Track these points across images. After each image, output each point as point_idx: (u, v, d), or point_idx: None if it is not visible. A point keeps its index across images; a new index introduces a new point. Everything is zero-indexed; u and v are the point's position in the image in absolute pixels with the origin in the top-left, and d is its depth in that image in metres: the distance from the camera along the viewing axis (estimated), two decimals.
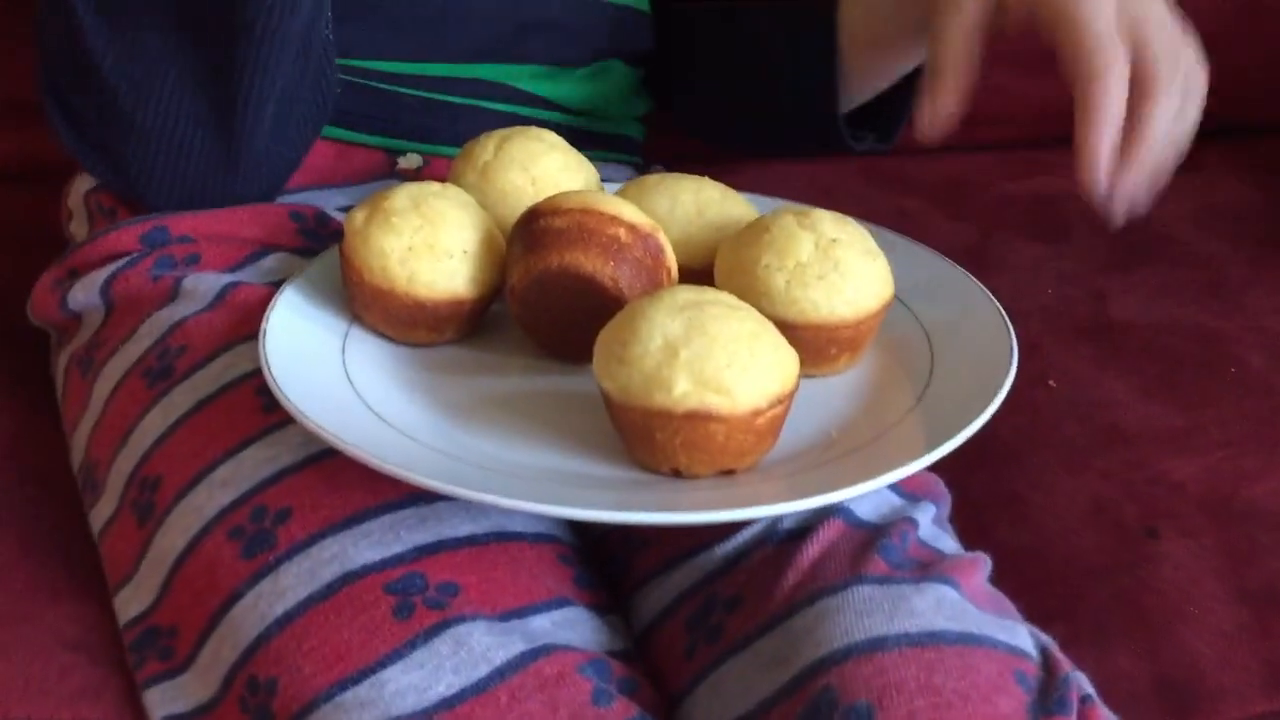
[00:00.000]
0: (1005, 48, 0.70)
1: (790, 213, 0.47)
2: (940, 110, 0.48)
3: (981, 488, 0.51)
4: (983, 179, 0.72)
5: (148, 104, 0.49)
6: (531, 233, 0.45)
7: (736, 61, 0.63)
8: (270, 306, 0.46)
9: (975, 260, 0.64)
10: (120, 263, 0.51)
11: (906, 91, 0.60)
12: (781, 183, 0.73)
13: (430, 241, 0.46)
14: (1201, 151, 0.75)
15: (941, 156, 0.75)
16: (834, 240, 0.46)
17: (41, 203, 0.64)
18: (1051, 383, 0.56)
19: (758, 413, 0.40)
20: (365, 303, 0.46)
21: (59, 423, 0.55)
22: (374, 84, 0.57)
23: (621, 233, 0.44)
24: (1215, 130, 0.77)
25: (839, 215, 0.48)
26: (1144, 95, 0.45)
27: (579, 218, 0.44)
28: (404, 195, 0.47)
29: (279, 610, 0.41)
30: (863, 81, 0.60)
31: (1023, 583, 0.46)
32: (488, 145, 0.51)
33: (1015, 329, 0.48)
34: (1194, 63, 0.47)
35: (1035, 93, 0.75)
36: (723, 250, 0.47)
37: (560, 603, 0.42)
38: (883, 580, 0.41)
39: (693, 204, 0.50)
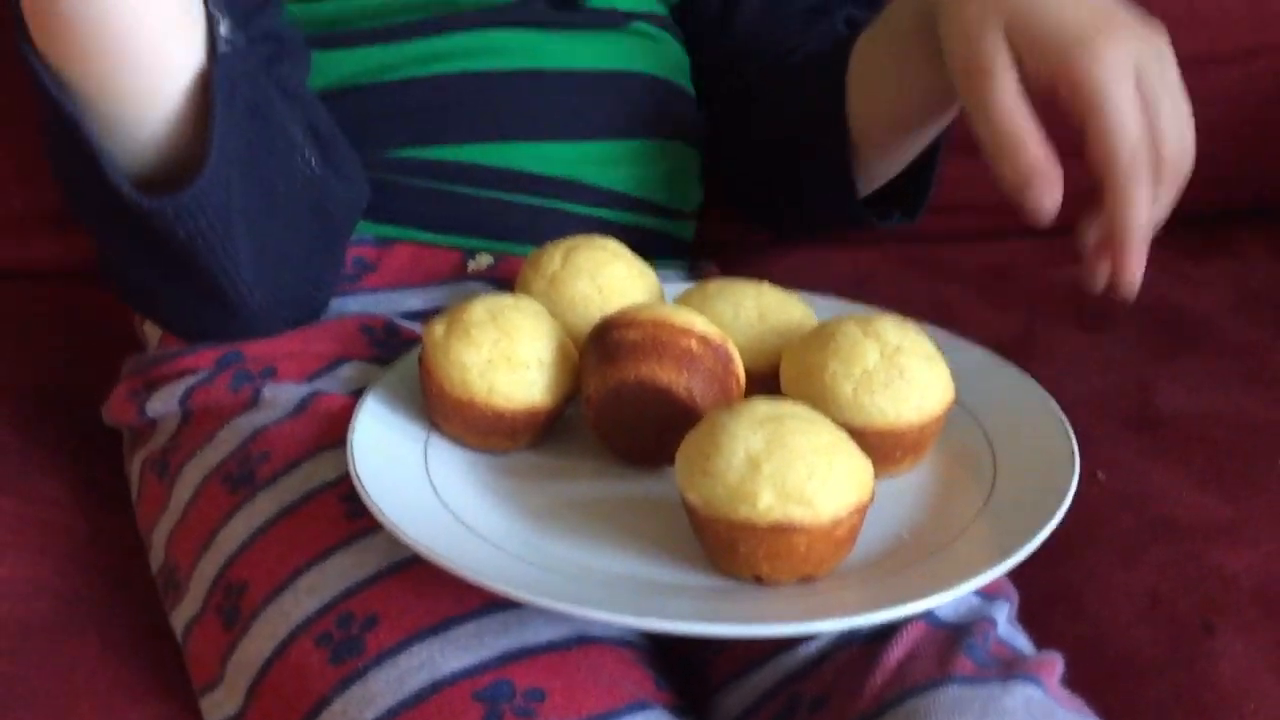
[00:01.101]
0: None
1: (853, 320, 0.48)
2: (1042, 189, 0.49)
3: (1036, 583, 0.52)
4: (1023, 266, 0.74)
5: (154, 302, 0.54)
6: (606, 345, 0.47)
7: (757, 143, 0.66)
8: (354, 416, 0.48)
9: (1019, 350, 0.65)
10: (199, 376, 0.53)
11: (929, 167, 0.62)
12: (823, 271, 0.75)
13: (508, 354, 0.47)
14: (1237, 234, 0.77)
15: (981, 243, 0.77)
16: (898, 347, 0.47)
17: (110, 300, 0.67)
18: (1101, 475, 0.57)
19: (838, 523, 0.41)
20: (445, 413, 0.48)
21: (134, 521, 0.56)
22: (446, 187, 0.59)
23: (694, 344, 0.46)
24: (1249, 211, 0.79)
25: (900, 320, 0.49)
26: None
27: (652, 330, 0.46)
28: (481, 308, 0.48)
29: (368, 717, 0.42)
30: (879, 162, 0.62)
31: (1081, 678, 0.47)
32: (555, 255, 0.53)
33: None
34: (1190, 147, 0.49)
35: (1072, 176, 0.78)
36: (788, 357, 0.49)
37: (641, 705, 0.43)
38: (971, 680, 0.42)
39: (754, 309, 0.52)
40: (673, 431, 0.45)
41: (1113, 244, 0.48)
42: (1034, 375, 0.54)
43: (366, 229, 0.59)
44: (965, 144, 0.73)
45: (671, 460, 0.44)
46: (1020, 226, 0.74)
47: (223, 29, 0.48)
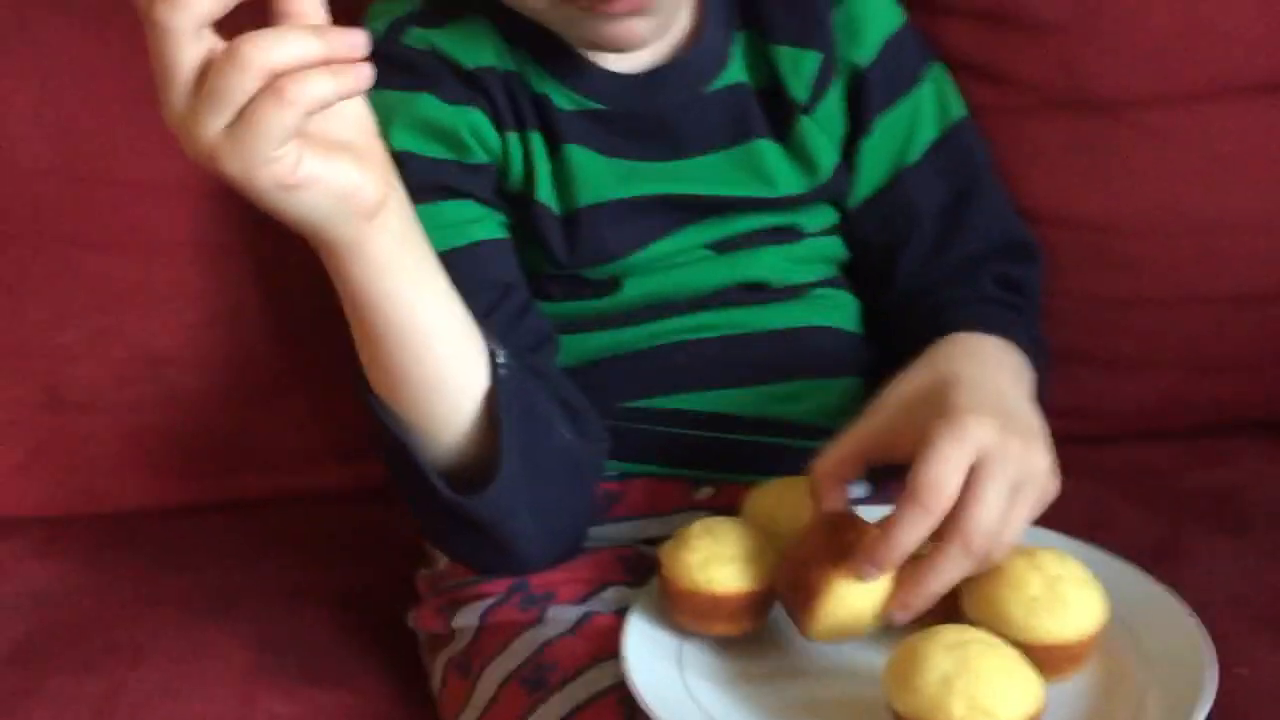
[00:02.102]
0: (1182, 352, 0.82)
1: (1020, 554, 0.60)
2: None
3: None
4: (1170, 469, 0.83)
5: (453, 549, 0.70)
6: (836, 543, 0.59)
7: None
8: (623, 632, 0.61)
9: (1165, 551, 0.75)
10: (495, 598, 0.67)
11: None
12: None
13: (718, 553, 0.62)
14: None
15: (1127, 445, 0.87)
16: (1058, 576, 0.59)
17: (392, 517, 0.81)
18: (1244, 671, 0.66)
19: None
20: (680, 607, 0.62)
21: (435, 711, 0.70)
22: (670, 430, 0.73)
23: None
24: None
25: (1058, 551, 0.61)
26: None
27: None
28: (699, 525, 0.63)
29: None
30: None
31: None
32: (769, 493, 0.66)
33: (1203, 618, 0.59)
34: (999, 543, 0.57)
35: (1210, 390, 0.88)
36: (966, 585, 0.60)
37: None
38: None
39: None
40: None
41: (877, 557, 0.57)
42: (1178, 578, 0.64)
43: (611, 466, 0.73)
44: (1107, 359, 0.85)
45: None
46: (1162, 429, 0.85)
47: (500, 357, 0.64)
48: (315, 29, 0.52)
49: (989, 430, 0.57)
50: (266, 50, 0.50)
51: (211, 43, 0.51)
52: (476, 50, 0.72)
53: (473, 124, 0.71)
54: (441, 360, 0.62)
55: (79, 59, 0.84)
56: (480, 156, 0.71)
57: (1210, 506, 0.79)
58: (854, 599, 0.58)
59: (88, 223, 0.84)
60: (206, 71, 0.50)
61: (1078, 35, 0.81)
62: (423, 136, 0.70)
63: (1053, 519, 0.72)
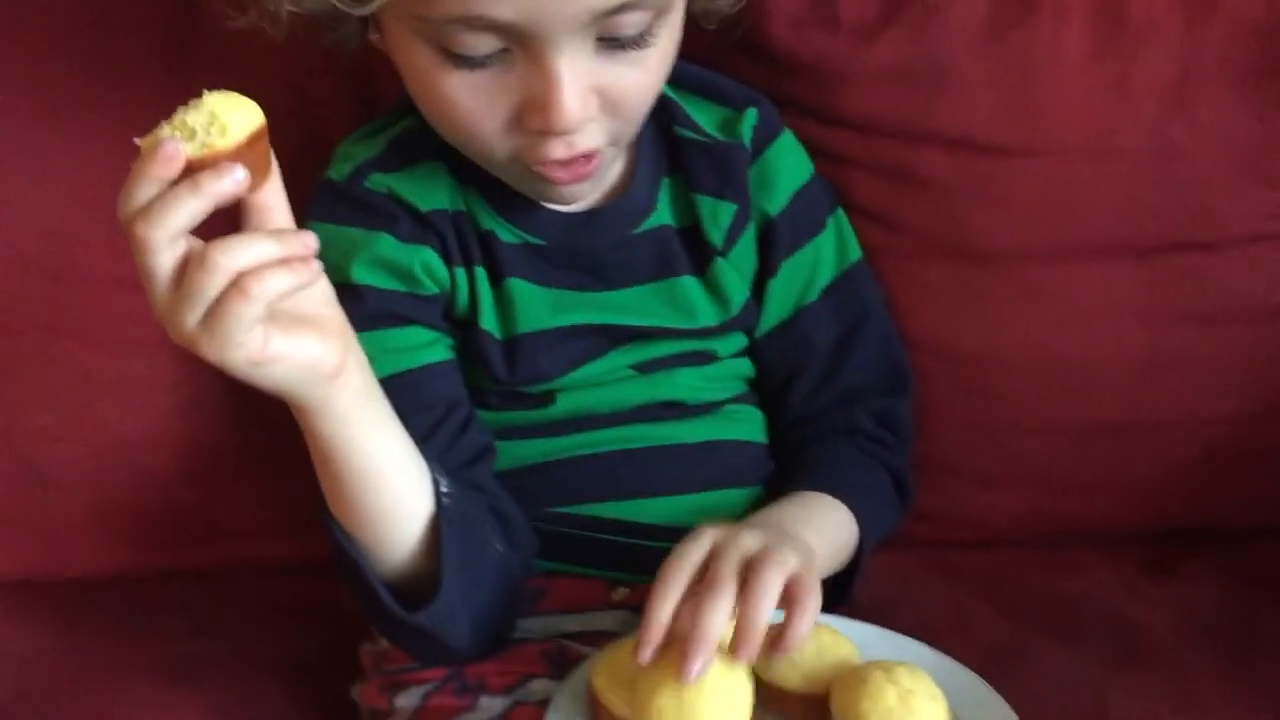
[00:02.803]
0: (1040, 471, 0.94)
1: (878, 667, 0.71)
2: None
3: None
4: (1023, 574, 0.93)
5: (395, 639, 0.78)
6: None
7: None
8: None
9: (1009, 654, 0.84)
10: (434, 684, 0.77)
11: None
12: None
13: None
14: (1191, 556, 0.97)
15: (992, 550, 0.98)
16: (910, 690, 0.70)
17: (338, 592, 0.90)
18: None
19: None
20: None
21: None
22: (591, 534, 0.83)
23: None
24: (1202, 533, 0.99)
25: (912, 667, 0.71)
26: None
27: None
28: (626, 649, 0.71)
29: None
30: None
31: None
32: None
33: None
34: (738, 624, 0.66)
35: (1063, 506, 0.99)
36: (834, 692, 0.71)
37: None
38: None
39: (814, 648, 0.74)
40: None
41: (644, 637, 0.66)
42: (1017, 681, 0.74)
43: (539, 564, 0.83)
44: (976, 473, 0.96)
45: None
46: (1020, 536, 0.97)
47: (443, 485, 0.73)
48: (273, 234, 0.63)
49: (720, 530, 0.69)
50: (231, 254, 0.60)
51: (188, 245, 0.61)
52: (431, 194, 0.81)
53: (425, 261, 0.80)
54: (393, 494, 0.71)
55: (67, 164, 0.91)
56: (431, 289, 0.80)
57: (1053, 612, 0.89)
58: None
59: (70, 316, 0.91)
60: (183, 271, 0.60)
61: (963, 195, 0.92)
62: (380, 271, 0.79)
63: (917, 616, 0.84)
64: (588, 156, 0.74)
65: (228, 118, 0.60)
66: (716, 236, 0.85)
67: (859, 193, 0.93)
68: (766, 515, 0.77)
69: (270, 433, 0.93)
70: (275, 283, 0.61)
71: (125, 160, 0.82)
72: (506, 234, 0.82)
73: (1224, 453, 0.94)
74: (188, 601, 0.94)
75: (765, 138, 0.87)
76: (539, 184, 0.77)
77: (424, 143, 0.80)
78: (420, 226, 0.80)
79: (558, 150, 0.73)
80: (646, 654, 0.66)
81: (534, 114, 0.71)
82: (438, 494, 0.73)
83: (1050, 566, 0.95)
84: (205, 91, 0.61)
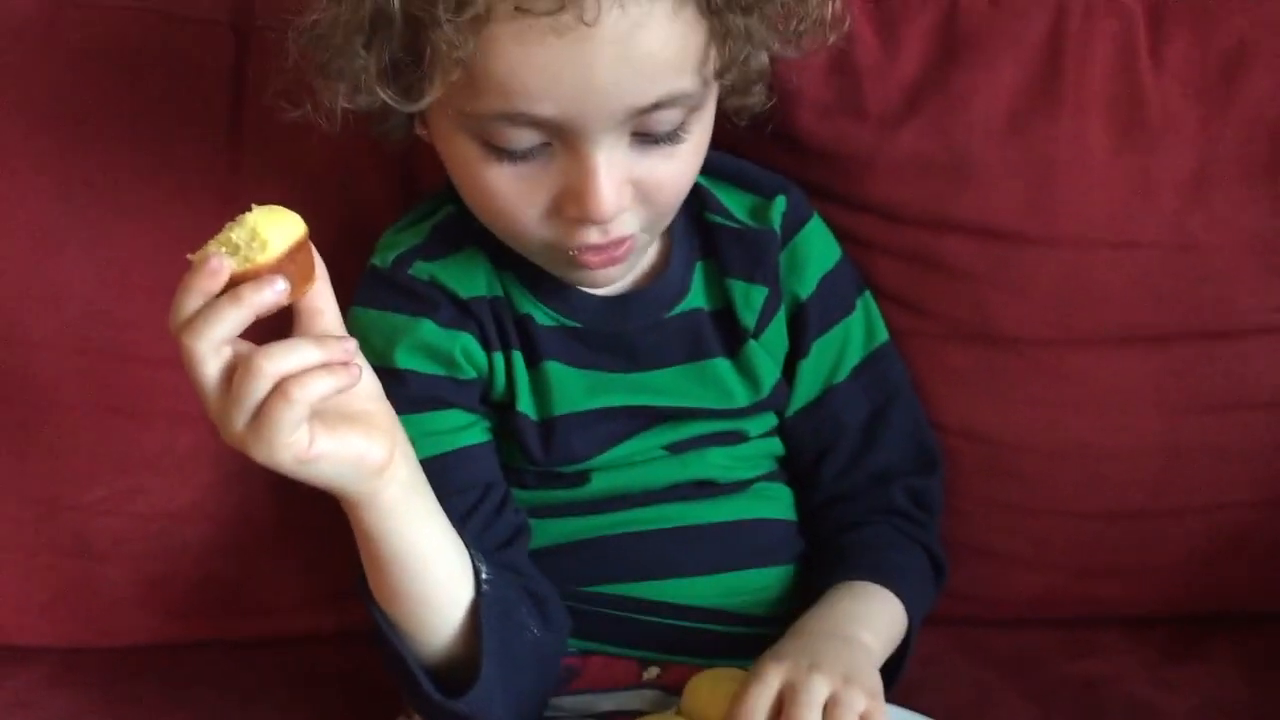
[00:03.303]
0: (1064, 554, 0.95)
1: None
2: None
3: None
4: (1047, 656, 0.95)
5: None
6: None
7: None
8: None
9: None
10: None
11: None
12: None
13: None
14: (1213, 640, 0.98)
15: (1016, 630, 1.00)
16: None
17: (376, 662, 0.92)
18: None
19: None
20: None
21: None
22: (624, 614, 0.85)
23: None
24: (1226, 617, 1.00)
25: None
26: None
27: None
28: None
29: None
30: None
31: None
32: (703, 685, 0.78)
33: None
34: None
35: (1086, 589, 1.01)
36: None
37: None
38: None
39: None
40: None
41: None
42: None
43: (572, 643, 0.84)
44: (1002, 554, 0.98)
45: None
46: (1044, 618, 0.98)
47: (484, 573, 0.75)
48: (316, 339, 0.66)
49: (786, 667, 0.71)
50: (275, 360, 0.64)
51: (236, 349, 0.65)
52: (471, 280, 0.84)
53: (464, 346, 0.83)
54: (435, 581, 0.74)
55: (119, 245, 0.95)
56: (469, 373, 0.83)
57: (1076, 695, 0.91)
58: None
59: (119, 394, 0.94)
60: (230, 376, 0.64)
61: (987, 281, 0.94)
62: (422, 356, 0.82)
63: (942, 696, 0.85)
64: (620, 241, 0.78)
65: (268, 233, 0.65)
66: (749, 319, 0.87)
67: (885, 277, 0.96)
68: (822, 619, 0.79)
69: (308, 506, 0.96)
70: (317, 386, 0.64)
71: (173, 240, 0.86)
72: (543, 316, 0.85)
73: (1243, 538, 0.96)
74: (227, 671, 0.96)
75: (795, 223, 0.90)
76: (573, 269, 0.80)
77: (464, 230, 0.83)
78: (460, 313, 0.83)
79: (593, 236, 0.76)
80: None
81: (572, 204, 0.74)
82: (478, 580, 0.75)
83: (1073, 648, 0.96)
84: (253, 206, 0.66)
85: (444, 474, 0.77)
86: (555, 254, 0.79)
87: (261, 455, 0.65)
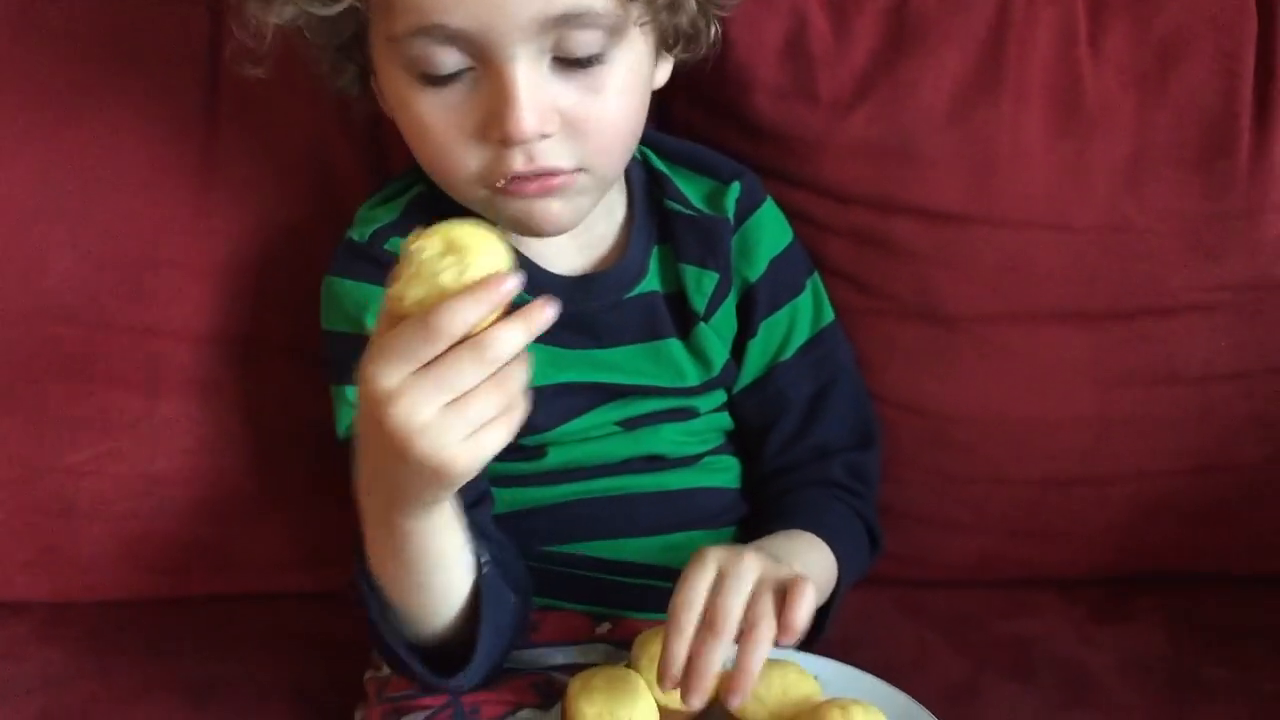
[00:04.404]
0: (998, 519, 1.01)
1: (836, 704, 0.77)
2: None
3: None
4: (981, 615, 1.00)
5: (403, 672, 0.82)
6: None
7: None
8: None
9: (965, 692, 0.91)
10: (433, 710, 0.83)
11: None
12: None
13: (614, 710, 0.76)
14: (1139, 600, 1.03)
15: (952, 591, 1.05)
16: None
17: (347, 620, 0.95)
18: None
19: None
20: None
21: None
22: (579, 572, 0.90)
23: None
24: (1152, 577, 1.05)
25: (867, 705, 0.78)
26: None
27: None
28: (602, 676, 0.78)
29: None
30: None
31: None
32: (654, 639, 0.83)
33: None
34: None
35: (1019, 552, 1.06)
36: None
37: None
38: None
39: (780, 686, 0.81)
40: None
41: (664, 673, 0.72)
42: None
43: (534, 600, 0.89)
44: (939, 519, 1.03)
45: None
46: (979, 579, 1.03)
47: (484, 559, 0.79)
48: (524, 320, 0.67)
49: (723, 552, 0.75)
50: (509, 343, 0.65)
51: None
52: None
53: None
54: (447, 574, 0.77)
55: (96, 216, 0.99)
56: None
57: (1008, 653, 0.96)
58: None
59: (101, 361, 0.99)
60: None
61: (931, 261, 0.99)
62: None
63: (880, 652, 0.90)
64: (550, 173, 0.79)
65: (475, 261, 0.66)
66: (699, 303, 0.92)
67: (835, 256, 1.00)
68: (759, 546, 0.82)
69: (285, 471, 1.02)
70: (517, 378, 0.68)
71: (150, 215, 0.89)
72: None
73: (1170, 504, 1.01)
74: (205, 626, 1.01)
75: (748, 209, 0.95)
76: (512, 205, 0.80)
77: (434, 208, 0.87)
78: None
79: (518, 162, 0.77)
80: (667, 686, 0.72)
81: (494, 125, 0.76)
82: (478, 564, 0.79)
83: (1008, 608, 1.01)
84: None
85: None
86: (491, 194, 0.80)
87: (472, 466, 0.67)
